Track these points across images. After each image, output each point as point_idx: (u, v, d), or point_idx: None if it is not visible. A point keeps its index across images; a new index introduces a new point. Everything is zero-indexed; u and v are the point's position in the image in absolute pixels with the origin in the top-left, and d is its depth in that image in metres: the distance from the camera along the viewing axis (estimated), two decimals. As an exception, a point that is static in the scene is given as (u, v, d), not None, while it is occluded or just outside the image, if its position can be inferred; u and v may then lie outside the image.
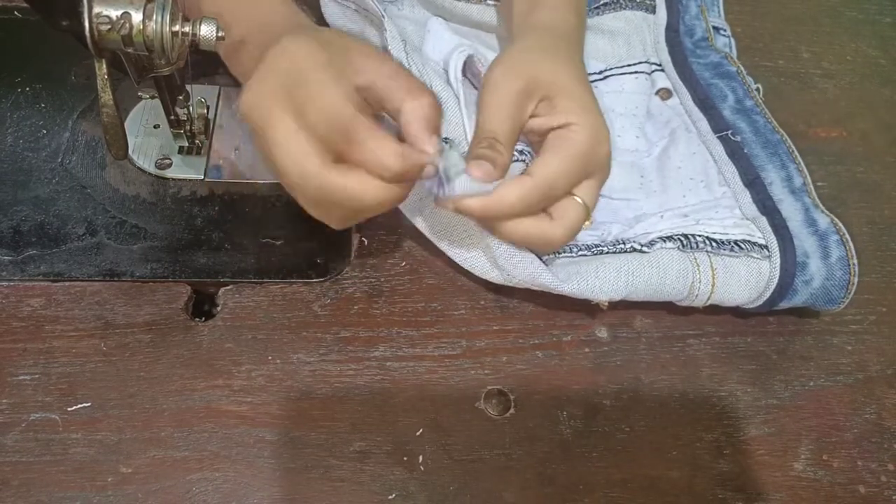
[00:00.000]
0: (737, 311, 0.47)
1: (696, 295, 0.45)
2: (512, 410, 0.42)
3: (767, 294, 0.45)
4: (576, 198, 0.40)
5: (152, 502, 0.37)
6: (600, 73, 0.56)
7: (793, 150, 0.49)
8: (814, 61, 0.64)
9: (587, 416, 0.43)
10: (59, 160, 0.48)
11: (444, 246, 0.46)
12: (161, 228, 0.46)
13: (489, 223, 0.40)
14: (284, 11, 0.44)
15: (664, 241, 0.45)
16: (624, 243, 0.45)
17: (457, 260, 0.46)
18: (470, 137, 0.43)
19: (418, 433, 0.41)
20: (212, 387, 0.41)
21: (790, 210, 0.47)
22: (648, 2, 0.58)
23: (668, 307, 0.46)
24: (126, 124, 0.48)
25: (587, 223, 0.42)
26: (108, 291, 0.43)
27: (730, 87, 0.54)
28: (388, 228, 0.48)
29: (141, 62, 0.39)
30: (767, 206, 0.47)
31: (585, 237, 0.47)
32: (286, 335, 0.43)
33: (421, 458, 0.40)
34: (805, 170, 0.49)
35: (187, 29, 0.37)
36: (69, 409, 0.39)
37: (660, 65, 0.56)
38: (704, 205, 0.48)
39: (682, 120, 0.53)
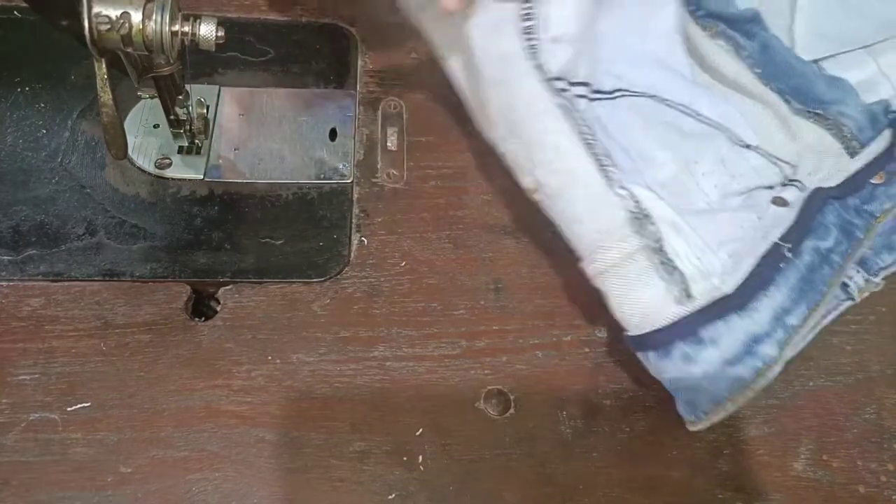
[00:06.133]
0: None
1: None
2: (512, 410, 0.42)
3: None
4: None
5: (152, 502, 0.37)
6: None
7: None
8: (814, 61, 0.64)
9: (587, 416, 0.43)
10: (59, 160, 0.48)
11: None
12: (161, 228, 0.46)
13: None
14: None
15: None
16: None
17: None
18: None
19: (418, 433, 0.41)
20: (211, 387, 0.41)
21: None
22: None
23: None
24: (126, 124, 0.48)
25: None
26: (108, 291, 0.43)
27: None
28: (388, 228, 0.48)
29: (141, 62, 0.39)
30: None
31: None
32: (286, 335, 0.43)
33: (421, 458, 0.40)
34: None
35: (187, 29, 0.37)
36: (69, 408, 0.39)
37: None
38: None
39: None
